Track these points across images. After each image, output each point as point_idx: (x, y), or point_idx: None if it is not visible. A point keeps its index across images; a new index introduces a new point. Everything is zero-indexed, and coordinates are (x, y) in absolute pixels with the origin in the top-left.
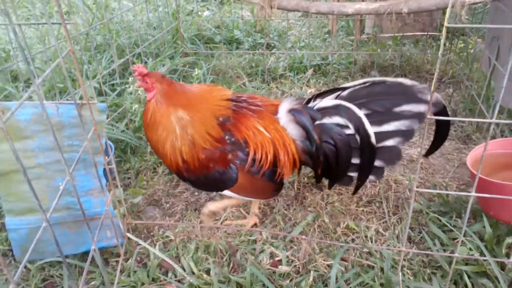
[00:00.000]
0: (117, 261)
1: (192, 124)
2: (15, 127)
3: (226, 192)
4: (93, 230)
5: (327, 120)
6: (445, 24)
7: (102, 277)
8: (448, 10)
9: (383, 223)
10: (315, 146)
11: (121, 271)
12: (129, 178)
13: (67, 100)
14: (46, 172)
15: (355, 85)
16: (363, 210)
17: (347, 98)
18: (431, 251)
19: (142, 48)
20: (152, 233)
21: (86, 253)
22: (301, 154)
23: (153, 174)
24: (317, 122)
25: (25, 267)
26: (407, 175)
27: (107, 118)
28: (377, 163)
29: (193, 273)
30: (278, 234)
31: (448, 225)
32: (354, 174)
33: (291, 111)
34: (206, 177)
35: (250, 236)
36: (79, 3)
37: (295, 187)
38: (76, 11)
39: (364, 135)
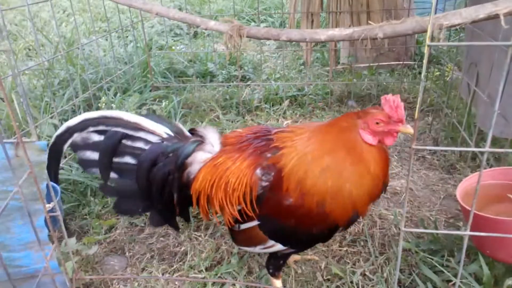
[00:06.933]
0: None
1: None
2: None
3: None
4: None
5: None
6: (427, 42)
7: None
8: (429, 29)
9: (370, 265)
10: None
11: None
12: (87, 225)
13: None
14: None
15: None
16: (347, 251)
17: None
18: None
19: (109, 82)
20: None
21: None
22: None
23: (116, 219)
24: None
25: None
26: (391, 209)
27: (65, 157)
28: None
29: None
30: (255, 287)
31: (441, 265)
32: None
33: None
34: None
35: None
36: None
37: None
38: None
39: None
